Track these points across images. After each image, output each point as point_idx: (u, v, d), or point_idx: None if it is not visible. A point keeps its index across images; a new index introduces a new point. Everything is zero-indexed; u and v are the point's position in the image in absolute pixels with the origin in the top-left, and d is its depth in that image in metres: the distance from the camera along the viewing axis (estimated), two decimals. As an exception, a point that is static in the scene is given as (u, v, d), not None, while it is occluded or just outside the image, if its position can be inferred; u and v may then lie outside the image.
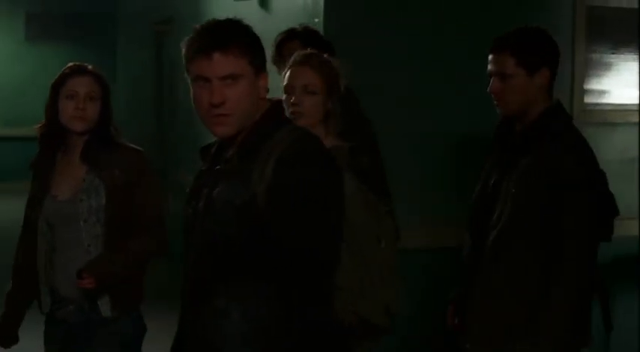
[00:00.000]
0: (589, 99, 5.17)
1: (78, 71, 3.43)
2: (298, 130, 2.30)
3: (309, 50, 3.34)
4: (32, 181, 3.53)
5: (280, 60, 4.31)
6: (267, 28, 5.55)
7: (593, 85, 5.20)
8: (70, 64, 3.50)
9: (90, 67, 3.47)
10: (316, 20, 4.62)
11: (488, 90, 3.14)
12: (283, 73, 3.26)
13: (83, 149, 3.40)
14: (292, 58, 3.26)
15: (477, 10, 4.79)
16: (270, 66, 2.68)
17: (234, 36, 2.22)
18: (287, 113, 3.09)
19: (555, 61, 3.17)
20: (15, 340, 3.52)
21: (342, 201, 2.21)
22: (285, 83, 3.21)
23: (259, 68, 2.27)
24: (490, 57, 3.15)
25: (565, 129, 3.14)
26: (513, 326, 3.09)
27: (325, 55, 3.30)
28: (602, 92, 5.23)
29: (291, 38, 4.29)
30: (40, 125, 3.47)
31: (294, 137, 2.21)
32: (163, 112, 9.37)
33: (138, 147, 3.52)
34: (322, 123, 3.20)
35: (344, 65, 3.29)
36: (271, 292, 2.12)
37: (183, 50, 2.24)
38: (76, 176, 3.40)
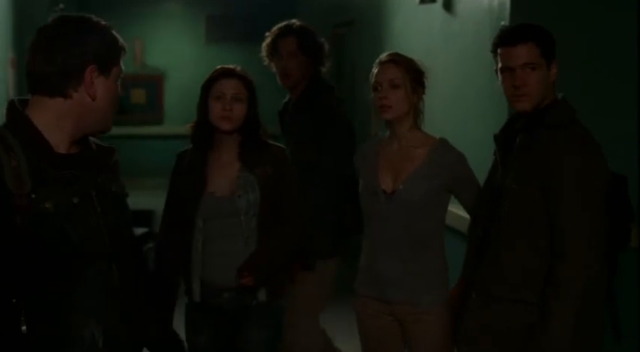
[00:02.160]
0: None
1: (225, 74, 3.65)
2: None
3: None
4: (178, 176, 3.70)
5: (275, 54, 4.50)
6: (452, 32, 5.65)
7: None
8: (218, 66, 3.72)
9: (238, 69, 3.67)
10: (502, 23, 4.64)
11: (513, 83, 3.04)
12: (372, 71, 3.52)
13: (239, 148, 3.63)
14: (378, 58, 3.54)
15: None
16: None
17: None
18: (375, 108, 3.38)
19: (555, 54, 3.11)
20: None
21: None
22: (372, 81, 3.49)
23: None
24: (510, 49, 3.05)
25: (567, 120, 3.03)
26: (513, 329, 3.05)
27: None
28: None
29: (287, 34, 4.43)
30: (192, 124, 3.70)
31: None
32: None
33: (281, 145, 3.75)
34: (408, 117, 3.46)
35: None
36: None
37: None
38: (230, 173, 3.64)
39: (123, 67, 2.35)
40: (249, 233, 3.59)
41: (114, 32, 2.32)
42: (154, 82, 14.20)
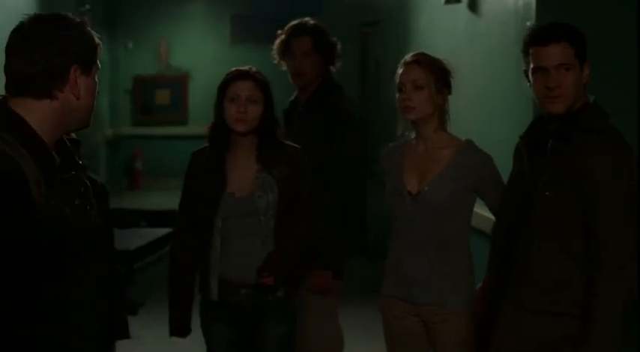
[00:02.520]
0: None
1: (240, 76, 3.65)
2: None
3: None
4: (194, 176, 3.72)
5: (288, 53, 4.47)
6: (477, 32, 5.64)
7: None
8: (233, 68, 3.71)
9: (252, 71, 3.67)
10: (528, 23, 4.63)
11: (547, 84, 2.96)
12: (397, 72, 3.51)
13: (256, 149, 3.65)
14: (403, 59, 3.54)
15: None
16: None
17: None
18: (400, 109, 3.44)
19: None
20: (188, 330, 3.78)
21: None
22: (397, 81, 3.49)
23: None
24: (543, 49, 2.96)
25: (602, 125, 2.96)
26: (547, 341, 3.01)
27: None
28: None
29: (301, 34, 4.44)
30: (209, 125, 3.71)
31: None
32: (367, 111, 9.57)
33: (296, 145, 3.76)
34: (433, 118, 3.47)
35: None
36: None
37: None
38: (248, 174, 3.66)
39: (99, 65, 2.32)
40: (267, 233, 3.63)
41: (89, 29, 2.29)
42: (178, 83, 14.25)
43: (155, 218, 8.90)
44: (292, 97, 4.69)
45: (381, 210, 8.48)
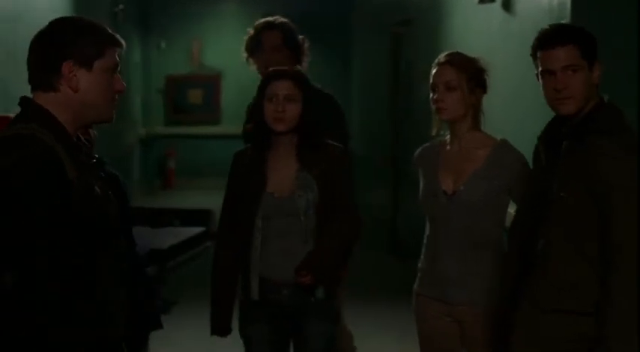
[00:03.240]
0: None
1: (278, 75, 3.65)
2: None
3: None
4: (236, 176, 3.73)
5: (257, 48, 4.46)
6: (511, 31, 5.62)
7: None
8: (271, 68, 3.72)
9: (290, 69, 3.68)
10: (563, 22, 4.61)
11: (555, 87, 2.99)
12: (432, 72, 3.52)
13: (296, 149, 3.65)
14: (437, 59, 3.53)
15: None
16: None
17: None
18: (433, 109, 3.48)
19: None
20: (229, 330, 3.78)
21: None
22: (430, 82, 3.51)
23: None
24: (549, 52, 3.01)
25: (616, 126, 2.96)
26: (562, 340, 3.02)
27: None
28: None
29: (271, 28, 4.46)
30: (250, 125, 3.72)
31: None
32: (399, 110, 9.57)
33: (338, 144, 3.76)
34: (466, 118, 3.48)
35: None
36: None
37: None
38: (288, 173, 3.65)
39: (118, 60, 2.48)
40: (307, 232, 3.63)
41: (99, 28, 2.46)
42: (211, 82, 14.32)
43: (188, 217, 8.93)
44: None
45: (412, 210, 8.47)
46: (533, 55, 3.12)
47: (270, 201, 3.62)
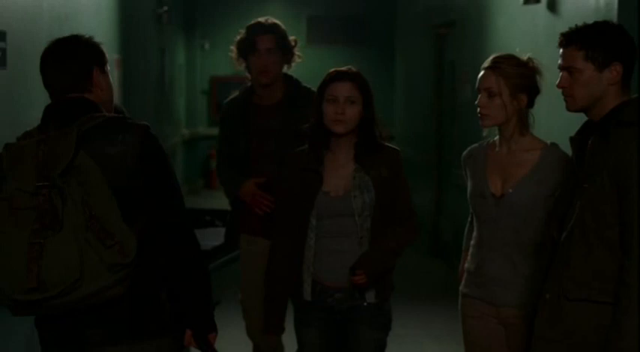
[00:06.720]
0: None
1: (338, 77, 3.65)
2: None
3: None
4: (290, 178, 3.73)
5: (251, 51, 4.44)
6: (557, 32, 5.54)
7: None
8: (332, 69, 3.71)
9: (351, 71, 3.67)
10: (610, 23, 4.56)
11: (556, 84, 3.07)
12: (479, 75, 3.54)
13: (354, 150, 3.65)
14: (485, 62, 3.54)
15: None
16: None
17: None
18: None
19: (629, 55, 3.02)
20: (282, 329, 3.81)
21: None
22: (476, 86, 3.54)
23: None
24: (560, 51, 3.07)
25: (637, 119, 2.95)
26: (585, 330, 3.01)
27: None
28: None
29: (265, 31, 4.51)
30: (308, 125, 3.71)
31: None
32: (443, 111, 9.54)
33: (395, 147, 3.76)
34: (510, 123, 3.50)
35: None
36: None
37: None
38: (345, 173, 3.65)
39: (108, 67, 3.05)
40: (363, 233, 3.63)
41: (95, 40, 3.05)
42: (254, 83, 14.35)
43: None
44: (235, 95, 4.69)
45: (455, 212, 8.44)
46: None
47: (325, 201, 3.62)
